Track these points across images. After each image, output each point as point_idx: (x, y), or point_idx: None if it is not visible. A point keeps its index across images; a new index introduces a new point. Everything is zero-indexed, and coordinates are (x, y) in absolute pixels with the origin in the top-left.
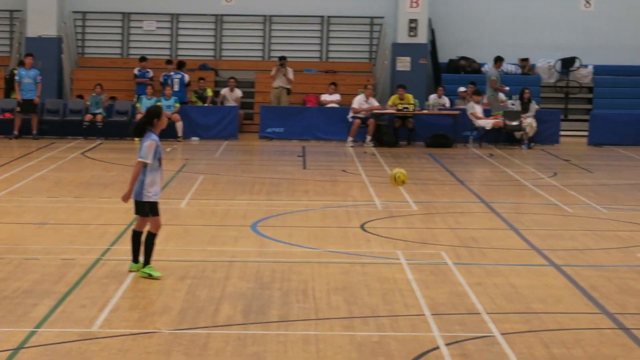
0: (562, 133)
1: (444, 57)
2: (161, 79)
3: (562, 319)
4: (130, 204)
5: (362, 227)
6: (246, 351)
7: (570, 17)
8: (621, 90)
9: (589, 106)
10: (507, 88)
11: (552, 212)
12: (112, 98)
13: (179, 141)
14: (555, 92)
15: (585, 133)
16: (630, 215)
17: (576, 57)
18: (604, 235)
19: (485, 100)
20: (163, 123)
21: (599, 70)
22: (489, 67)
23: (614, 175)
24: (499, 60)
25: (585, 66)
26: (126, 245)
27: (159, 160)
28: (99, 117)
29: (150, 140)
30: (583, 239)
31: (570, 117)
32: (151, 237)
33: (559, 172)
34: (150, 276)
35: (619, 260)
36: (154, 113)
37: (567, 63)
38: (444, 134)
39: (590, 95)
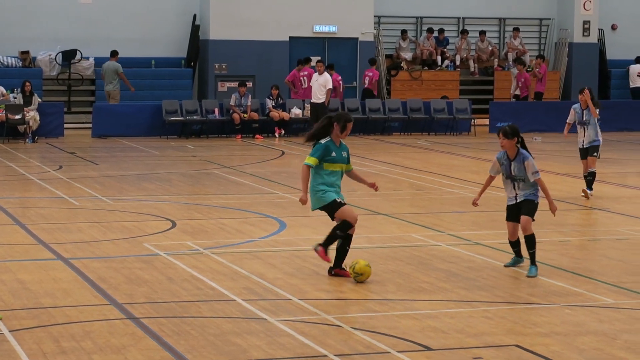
0: (66, 126)
1: None
2: None
3: (71, 312)
4: None
5: None
6: None
7: (69, 10)
8: (122, 82)
9: (92, 98)
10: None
11: (58, 205)
12: None
13: None
14: (57, 84)
15: (89, 125)
16: (136, 205)
17: (77, 49)
18: (110, 226)
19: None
20: None
21: (100, 62)
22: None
23: (118, 166)
24: (115, 54)
25: (87, 58)
26: None
27: None
28: None
29: None
30: (90, 230)
31: (74, 109)
32: None
33: (65, 164)
34: None
35: (127, 251)
36: None
37: (68, 55)
38: None
39: (92, 88)
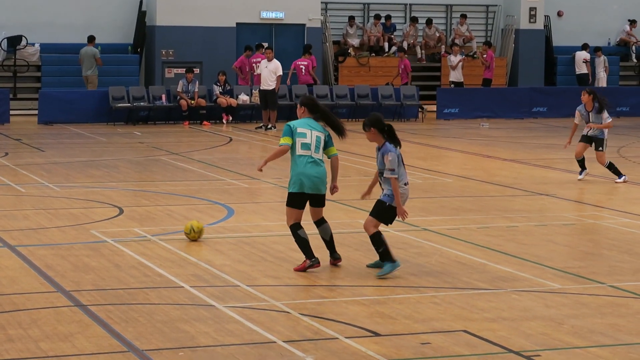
0: (12, 112)
1: None
2: None
3: (18, 299)
4: None
5: None
6: None
7: None
8: (68, 68)
9: (37, 84)
10: None
11: (4, 192)
12: None
13: None
14: (2, 70)
15: (35, 112)
16: (83, 192)
17: (23, 35)
18: (57, 213)
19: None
20: None
21: (45, 48)
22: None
23: (65, 153)
24: (92, 39)
25: (32, 44)
26: None
27: None
28: None
29: None
30: (37, 218)
31: (20, 95)
32: None
33: (11, 151)
34: None
35: (74, 238)
36: None
37: (14, 41)
38: None
39: (38, 74)
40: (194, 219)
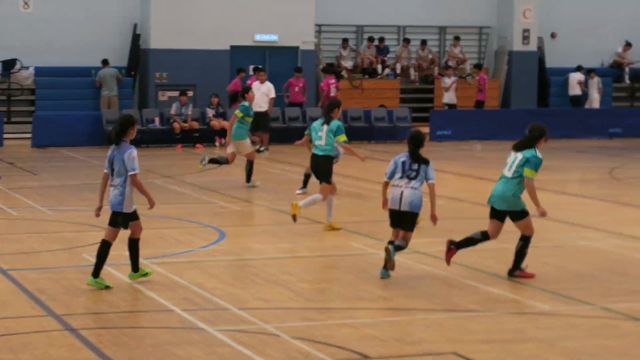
0: (5, 136)
1: None
2: None
3: (9, 323)
4: None
5: None
6: None
7: (9, 18)
8: (62, 91)
9: (31, 108)
10: None
11: None
12: None
13: None
14: None
15: (29, 135)
16: (76, 215)
17: (17, 59)
18: (50, 237)
19: None
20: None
21: (40, 71)
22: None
23: (59, 176)
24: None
25: (27, 68)
26: None
27: None
28: None
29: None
30: (29, 241)
31: (14, 119)
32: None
33: (4, 175)
34: None
35: (66, 261)
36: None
37: (8, 65)
38: None
39: (32, 97)
40: None
